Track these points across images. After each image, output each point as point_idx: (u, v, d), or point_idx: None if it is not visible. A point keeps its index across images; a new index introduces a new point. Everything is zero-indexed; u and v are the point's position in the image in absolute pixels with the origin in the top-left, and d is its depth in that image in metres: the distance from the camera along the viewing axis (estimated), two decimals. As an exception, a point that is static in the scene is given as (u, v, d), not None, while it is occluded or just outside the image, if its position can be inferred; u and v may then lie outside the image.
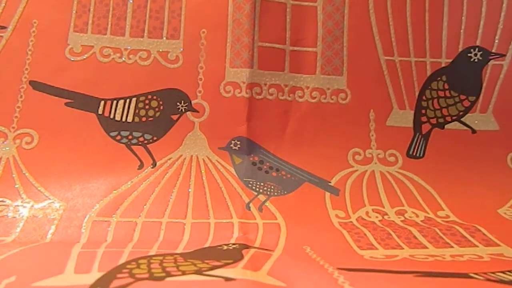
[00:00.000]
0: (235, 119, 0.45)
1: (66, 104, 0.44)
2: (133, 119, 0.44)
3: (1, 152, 0.42)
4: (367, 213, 0.42)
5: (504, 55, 0.49)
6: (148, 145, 0.44)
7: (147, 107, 0.45)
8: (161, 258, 0.31)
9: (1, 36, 0.44)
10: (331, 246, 0.36)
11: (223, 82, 0.46)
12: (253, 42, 0.46)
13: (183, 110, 0.45)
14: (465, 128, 0.48)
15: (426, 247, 0.36)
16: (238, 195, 0.42)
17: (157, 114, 0.45)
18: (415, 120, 0.48)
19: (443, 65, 0.49)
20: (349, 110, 0.47)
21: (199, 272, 0.28)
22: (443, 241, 0.37)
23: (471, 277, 0.29)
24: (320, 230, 0.39)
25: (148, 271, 0.28)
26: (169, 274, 0.27)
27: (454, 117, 0.49)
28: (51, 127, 0.43)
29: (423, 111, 0.49)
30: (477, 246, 0.36)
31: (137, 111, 0.45)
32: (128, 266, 0.29)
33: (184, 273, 0.28)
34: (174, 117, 0.45)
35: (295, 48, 0.48)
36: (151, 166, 0.43)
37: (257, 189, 0.43)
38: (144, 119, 0.45)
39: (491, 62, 0.49)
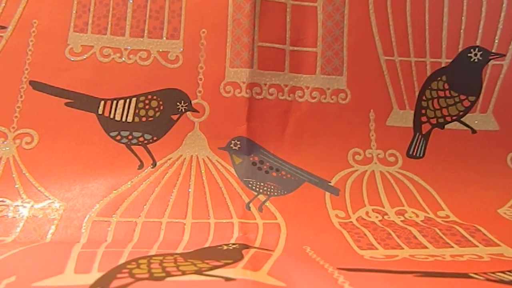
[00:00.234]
0: (235, 119, 0.45)
1: (66, 104, 0.44)
2: (133, 119, 0.44)
3: (1, 152, 0.42)
4: (367, 213, 0.42)
5: (504, 55, 0.49)
6: (148, 145, 0.44)
7: (147, 107, 0.45)
8: (161, 258, 0.31)
9: (1, 36, 0.44)
10: (331, 246, 0.36)
11: (223, 82, 0.46)
12: (253, 42, 0.46)
13: (183, 110, 0.45)
14: (465, 128, 0.48)
15: (426, 247, 0.36)
16: (238, 195, 0.42)
17: (157, 114, 0.45)
18: (415, 120, 0.48)
19: (443, 65, 0.49)
20: (349, 110, 0.47)
21: (199, 272, 0.28)
22: (443, 241, 0.37)
23: (471, 277, 0.29)
24: (320, 230, 0.39)
25: (148, 271, 0.28)
26: (169, 274, 0.27)
27: (454, 117, 0.49)
28: (51, 127, 0.43)
29: (423, 111, 0.49)
30: (477, 246, 0.36)
31: (137, 111, 0.45)
32: (128, 266, 0.29)
33: (184, 273, 0.28)
34: (174, 117, 0.45)
35: (295, 48, 0.48)
36: (151, 166, 0.43)
37: (257, 189, 0.43)
38: (144, 119, 0.45)
39: (491, 62, 0.49)
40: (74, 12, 0.46)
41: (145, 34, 0.46)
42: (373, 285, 0.27)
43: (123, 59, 0.45)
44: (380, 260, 0.33)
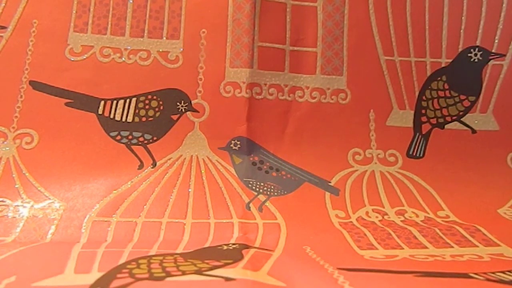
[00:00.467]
0: (235, 119, 0.45)
1: (66, 104, 0.44)
2: (133, 119, 0.44)
3: (1, 152, 0.42)
4: (367, 213, 0.42)
5: (504, 55, 0.49)
6: (148, 145, 0.44)
7: (147, 107, 0.45)
8: (161, 258, 0.31)
9: (1, 36, 0.44)
10: (331, 246, 0.36)
11: (223, 82, 0.46)
12: (253, 42, 0.46)
13: (183, 110, 0.45)
14: (465, 128, 0.48)
15: (426, 247, 0.36)
16: (238, 195, 0.42)
17: (157, 114, 0.45)
18: (415, 120, 0.48)
19: (443, 65, 0.49)
20: (349, 110, 0.47)
21: (199, 272, 0.28)
22: (443, 241, 0.37)
23: (471, 277, 0.29)
24: (320, 230, 0.39)
25: (148, 271, 0.28)
26: (169, 274, 0.27)
27: (454, 117, 0.49)
28: (51, 127, 0.43)
29: (423, 111, 0.49)
30: (477, 246, 0.36)
31: (137, 111, 0.45)
32: (128, 266, 0.29)
33: (184, 273, 0.28)
34: (174, 117, 0.45)
35: (295, 48, 0.48)
36: (151, 166, 0.43)
37: (257, 189, 0.43)
38: (144, 119, 0.45)
39: (491, 62, 0.49)
40: (74, 12, 0.46)
41: (145, 34, 0.46)
42: (373, 285, 0.27)
43: (123, 59, 0.45)
44: (380, 260, 0.33)
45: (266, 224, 0.39)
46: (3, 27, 0.44)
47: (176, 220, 0.39)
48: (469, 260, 0.33)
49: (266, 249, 0.34)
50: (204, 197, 0.41)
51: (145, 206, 0.40)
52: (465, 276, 0.29)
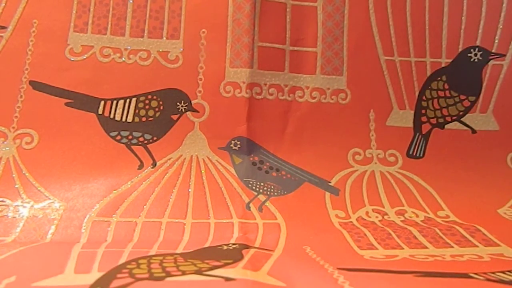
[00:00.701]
0: (235, 119, 0.45)
1: (66, 104, 0.44)
2: (133, 119, 0.44)
3: (1, 152, 0.42)
4: (367, 213, 0.42)
5: (504, 55, 0.49)
6: (148, 145, 0.44)
7: (147, 107, 0.45)
8: (161, 258, 0.31)
9: (1, 36, 0.44)
10: (331, 246, 0.36)
11: (223, 82, 0.46)
12: (253, 42, 0.46)
13: (183, 110, 0.45)
14: (465, 128, 0.48)
15: (426, 247, 0.36)
16: (238, 195, 0.42)
17: (157, 114, 0.45)
18: (415, 120, 0.48)
19: (443, 65, 0.49)
20: (349, 110, 0.47)
21: (199, 272, 0.28)
22: (443, 241, 0.37)
23: (471, 277, 0.29)
24: (320, 230, 0.39)
25: (148, 271, 0.28)
26: (169, 274, 0.27)
27: (454, 117, 0.49)
28: (51, 127, 0.43)
29: (423, 111, 0.49)
30: (477, 246, 0.36)
31: (137, 111, 0.45)
32: (128, 266, 0.29)
33: (184, 273, 0.28)
34: (174, 117, 0.45)
35: (295, 48, 0.48)
36: (151, 166, 0.43)
37: (257, 189, 0.43)
38: (144, 119, 0.45)
39: (491, 62, 0.49)
40: (74, 12, 0.46)
41: (145, 34, 0.46)
42: (373, 285, 0.27)
43: (123, 59, 0.45)
44: (380, 260, 0.33)
45: (266, 224, 0.39)
46: (3, 27, 0.44)
47: (176, 220, 0.39)
48: (469, 260, 0.33)
49: (266, 249, 0.34)
50: (204, 197, 0.41)
51: (145, 206, 0.40)
52: (465, 276, 0.29)
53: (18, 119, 0.43)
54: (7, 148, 0.42)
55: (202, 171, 0.43)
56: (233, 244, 0.35)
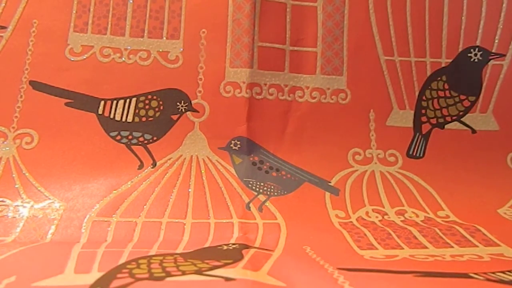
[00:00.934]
0: (235, 119, 0.45)
1: (66, 104, 0.44)
2: (133, 119, 0.44)
3: (1, 152, 0.42)
4: (367, 213, 0.42)
5: (504, 55, 0.49)
6: (148, 145, 0.44)
7: (147, 107, 0.45)
8: (161, 258, 0.31)
9: (1, 36, 0.44)
10: (331, 246, 0.36)
11: (223, 82, 0.46)
12: (253, 42, 0.46)
13: (183, 110, 0.45)
14: (465, 128, 0.48)
15: (426, 247, 0.36)
16: (238, 195, 0.42)
17: (157, 114, 0.45)
18: (415, 120, 0.48)
19: (443, 65, 0.49)
20: (349, 110, 0.47)
21: (199, 272, 0.28)
22: (443, 241, 0.37)
23: (471, 277, 0.29)
24: (320, 230, 0.39)
25: (148, 271, 0.28)
26: (169, 274, 0.27)
27: (454, 117, 0.49)
28: (51, 127, 0.43)
29: (423, 111, 0.49)
30: (477, 246, 0.36)
31: (137, 111, 0.45)
32: (128, 266, 0.29)
33: (184, 273, 0.28)
34: (174, 117, 0.45)
35: (295, 48, 0.48)
36: (151, 166, 0.43)
37: (257, 189, 0.43)
38: (144, 119, 0.45)
39: (491, 62, 0.49)
40: (74, 12, 0.46)
41: (145, 34, 0.46)
42: (373, 285, 0.27)
43: (123, 59, 0.45)
44: (380, 260, 0.33)
45: (266, 224, 0.39)
46: (3, 27, 0.44)
47: (176, 220, 0.39)
48: (469, 260, 0.33)
49: (266, 249, 0.34)
50: (204, 197, 0.41)
51: (145, 206, 0.40)
52: (465, 276, 0.29)
53: (18, 119, 0.43)
54: (7, 148, 0.42)
55: (202, 171, 0.43)
56: (233, 244, 0.35)
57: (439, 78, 0.49)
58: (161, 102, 0.45)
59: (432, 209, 0.43)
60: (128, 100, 0.45)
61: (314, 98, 0.47)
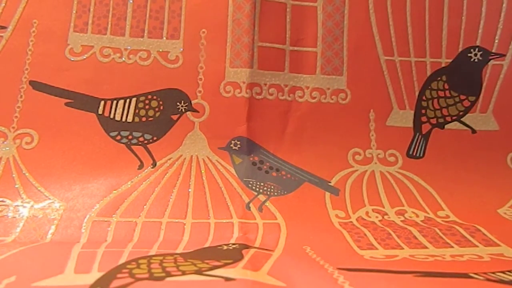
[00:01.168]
0: (235, 119, 0.45)
1: (66, 104, 0.44)
2: (133, 119, 0.44)
3: (1, 152, 0.42)
4: (367, 213, 0.42)
5: (504, 55, 0.49)
6: (148, 145, 0.44)
7: (147, 107, 0.45)
8: (161, 258, 0.31)
9: (1, 36, 0.44)
10: (331, 246, 0.36)
11: (223, 82, 0.46)
12: (253, 42, 0.46)
13: (183, 110, 0.45)
14: (465, 128, 0.48)
15: (426, 247, 0.36)
16: (238, 195, 0.42)
17: (157, 114, 0.45)
18: (415, 120, 0.48)
19: (443, 65, 0.49)
20: (349, 110, 0.47)
21: (199, 272, 0.28)
22: (443, 241, 0.37)
23: (471, 277, 0.29)
24: (320, 230, 0.39)
25: (148, 271, 0.28)
26: (169, 274, 0.27)
27: (454, 117, 0.49)
28: (51, 127, 0.43)
29: (423, 111, 0.49)
30: (477, 246, 0.36)
31: (137, 111, 0.45)
32: (128, 266, 0.29)
33: (184, 273, 0.28)
34: (174, 117, 0.45)
35: (295, 48, 0.48)
36: (151, 166, 0.43)
37: (257, 189, 0.43)
38: (144, 119, 0.45)
39: (491, 62, 0.49)
40: (74, 12, 0.46)
41: (145, 34, 0.46)
42: (373, 285, 0.27)
43: (123, 59, 0.45)
44: (380, 260, 0.33)
45: (266, 224, 0.39)
46: (3, 27, 0.44)
47: (176, 220, 0.39)
48: (469, 260, 0.33)
49: (266, 249, 0.34)
50: (204, 197, 0.41)
51: (145, 206, 0.40)
52: (465, 276, 0.29)
53: (18, 119, 0.43)
54: (7, 148, 0.42)
55: (202, 171, 0.43)
56: (233, 244, 0.35)
57: (439, 78, 0.49)
58: (161, 102, 0.45)
59: (432, 209, 0.43)
60: (128, 100, 0.45)
61: (314, 98, 0.47)
